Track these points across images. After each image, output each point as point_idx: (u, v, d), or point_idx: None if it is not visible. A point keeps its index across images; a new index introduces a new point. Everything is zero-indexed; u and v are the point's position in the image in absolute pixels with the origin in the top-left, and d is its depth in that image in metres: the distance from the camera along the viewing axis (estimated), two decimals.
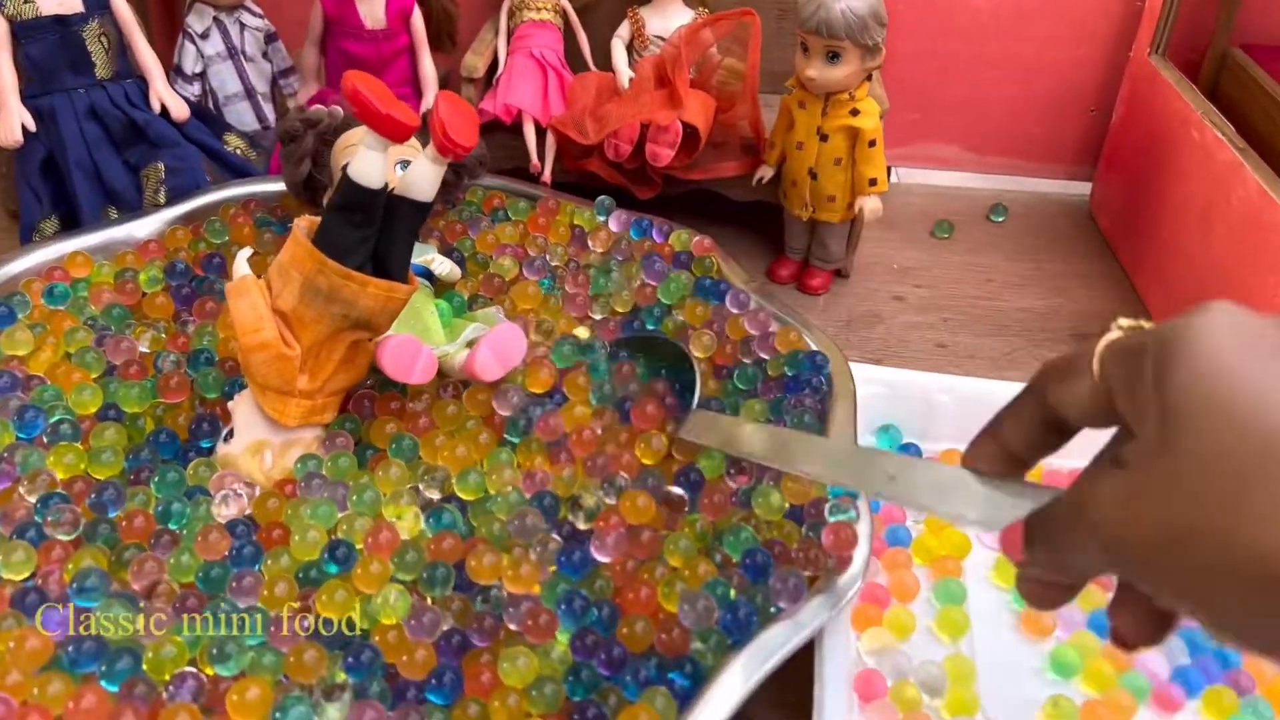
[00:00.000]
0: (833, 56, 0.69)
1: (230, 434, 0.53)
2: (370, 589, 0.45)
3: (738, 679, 0.41)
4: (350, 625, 0.44)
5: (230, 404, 0.54)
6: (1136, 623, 0.28)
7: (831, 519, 0.49)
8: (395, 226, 0.51)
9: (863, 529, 0.48)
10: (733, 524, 0.49)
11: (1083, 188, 0.95)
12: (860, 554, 0.47)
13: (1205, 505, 0.23)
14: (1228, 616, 0.23)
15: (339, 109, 0.64)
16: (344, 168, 0.58)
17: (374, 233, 0.50)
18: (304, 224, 0.52)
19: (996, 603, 0.53)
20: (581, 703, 0.41)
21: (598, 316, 0.63)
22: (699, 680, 0.42)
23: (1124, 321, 0.28)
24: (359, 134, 0.62)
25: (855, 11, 0.66)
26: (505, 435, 0.54)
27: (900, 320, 0.78)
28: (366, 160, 0.49)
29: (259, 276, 0.51)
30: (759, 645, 0.42)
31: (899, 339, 0.76)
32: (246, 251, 0.56)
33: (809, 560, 0.47)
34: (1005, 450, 0.31)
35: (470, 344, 0.57)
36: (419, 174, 0.50)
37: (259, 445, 0.52)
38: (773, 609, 0.45)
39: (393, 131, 0.48)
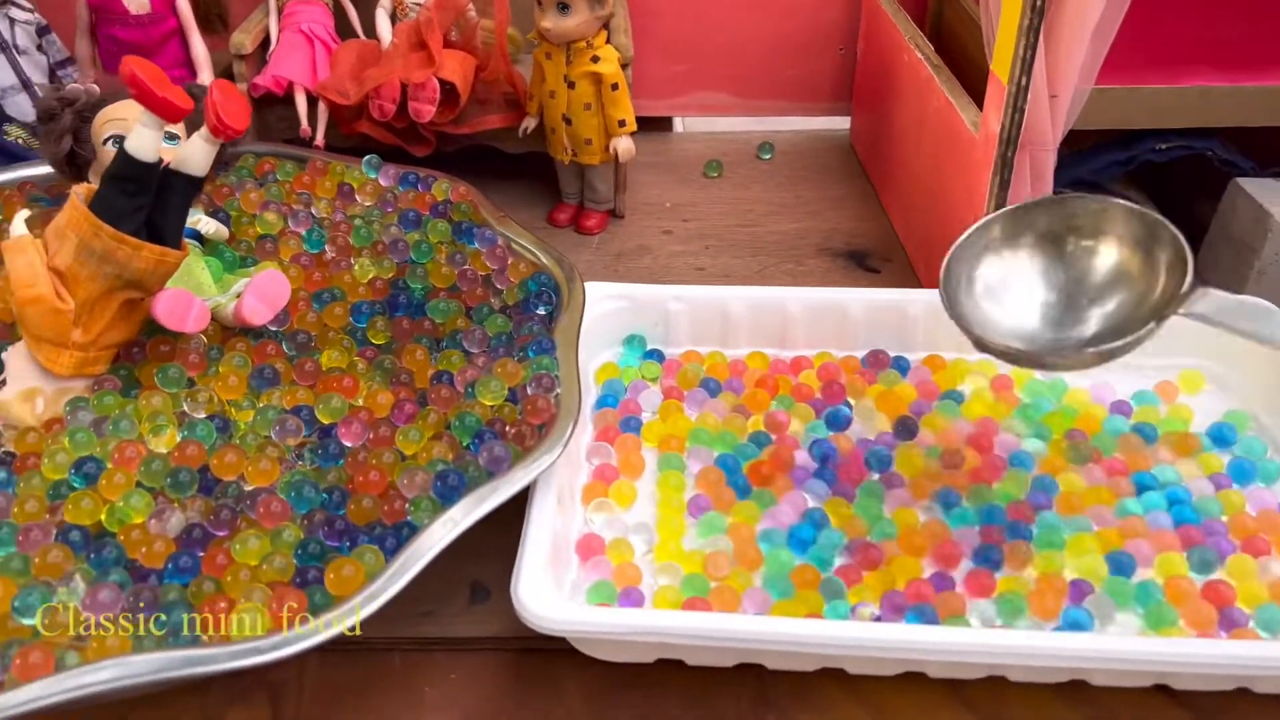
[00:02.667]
0: (562, 8, 0.75)
1: (3, 383, 0.57)
2: (114, 497, 0.49)
3: (440, 531, 0.47)
4: (99, 531, 0.48)
5: (4, 355, 0.58)
6: None
7: (530, 392, 0.55)
8: (169, 198, 0.56)
9: (569, 401, 0.54)
10: (461, 412, 0.55)
11: (843, 122, 1.03)
12: (563, 424, 0.53)
13: None
14: None
15: (95, 87, 0.68)
16: (120, 141, 0.63)
17: (147, 202, 0.55)
18: (82, 190, 0.56)
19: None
20: (303, 568, 0.47)
21: (364, 281, 0.67)
22: (408, 541, 0.47)
23: None
24: (118, 109, 0.66)
25: None
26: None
27: (666, 250, 0.85)
28: (142, 137, 0.54)
29: (36, 237, 0.56)
30: (463, 504, 0.48)
31: (664, 266, 0.83)
32: (24, 213, 0.60)
33: (519, 435, 0.53)
34: None
35: (240, 295, 0.62)
36: (193, 151, 0.56)
37: (31, 392, 0.56)
38: (484, 478, 0.51)
39: (167, 113, 0.53)
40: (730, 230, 0.88)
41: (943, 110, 0.74)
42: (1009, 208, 0.58)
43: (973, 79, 0.76)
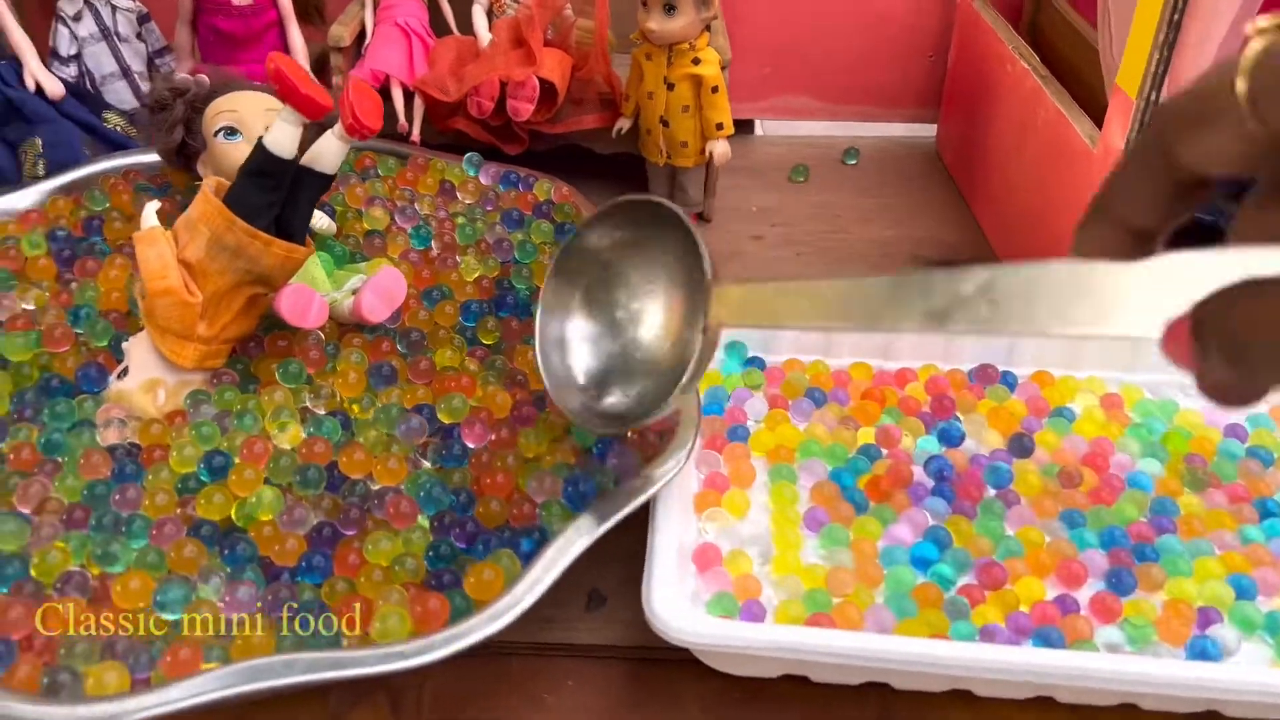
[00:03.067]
0: (669, 9, 0.75)
1: (125, 372, 0.57)
2: (244, 493, 0.49)
3: (574, 538, 0.46)
4: (229, 527, 0.48)
5: (125, 345, 0.58)
6: None
7: None
8: (299, 194, 0.57)
9: (689, 410, 0.54)
10: None
11: (929, 129, 1.02)
12: (685, 431, 0.53)
13: None
14: None
15: (204, 77, 0.68)
16: (231, 133, 0.63)
17: (280, 198, 0.56)
18: (212, 183, 0.56)
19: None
20: (437, 570, 0.46)
21: (470, 280, 0.67)
22: (541, 545, 0.47)
23: (1262, 22, 0.22)
24: (229, 101, 0.66)
25: None
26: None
27: (757, 256, 0.85)
28: (282, 132, 0.54)
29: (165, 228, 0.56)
30: (595, 512, 0.48)
31: (754, 272, 0.83)
32: (155, 204, 0.59)
33: (641, 442, 0.53)
34: (1124, 227, 0.26)
35: (355, 291, 0.62)
36: (325, 149, 0.56)
37: (153, 383, 0.56)
38: (611, 485, 0.50)
39: (310, 110, 0.53)
40: (820, 236, 0.87)
41: (1052, 122, 0.73)
42: (552, 269, 0.53)
43: (1075, 90, 0.75)
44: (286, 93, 0.52)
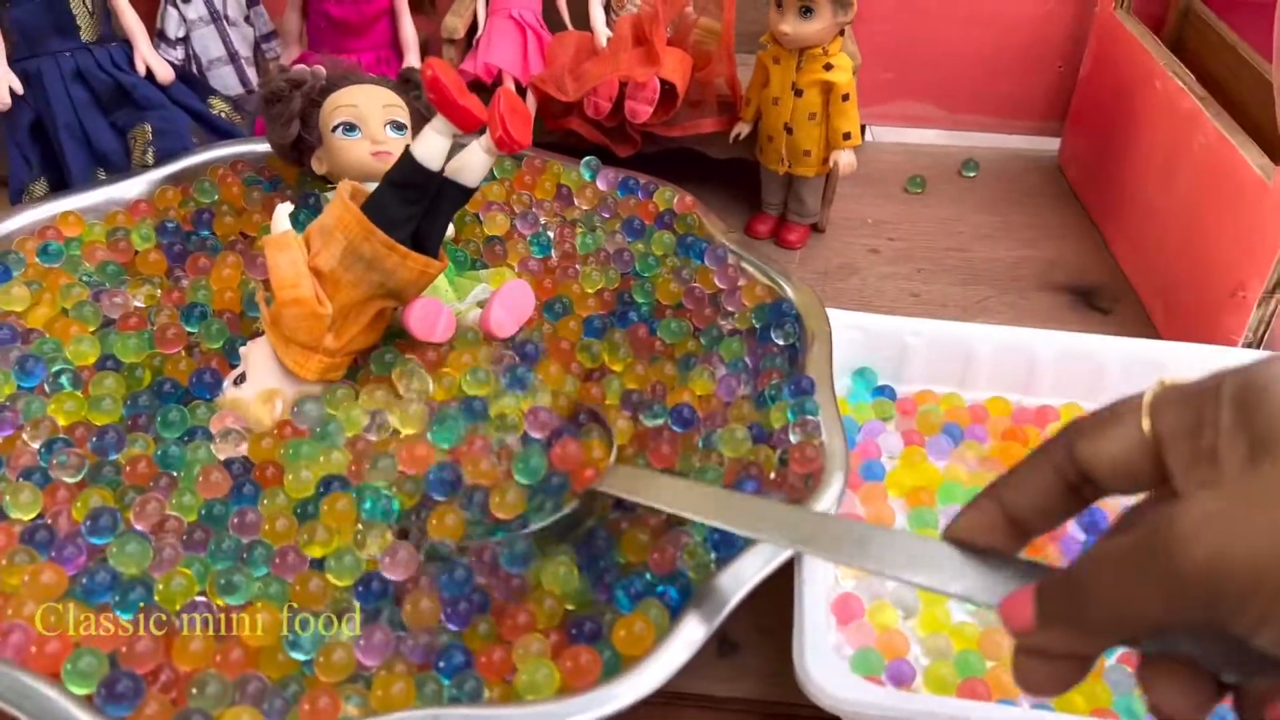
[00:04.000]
0: (806, 11, 0.71)
1: (241, 378, 0.55)
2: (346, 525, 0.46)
3: (725, 591, 0.43)
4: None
5: (243, 349, 0.56)
6: (1183, 692, 0.25)
7: (794, 440, 0.51)
8: (440, 207, 0.54)
9: (835, 451, 0.50)
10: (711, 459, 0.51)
11: (1052, 143, 0.97)
12: (835, 477, 0.49)
13: None
14: None
15: (321, 69, 0.65)
16: (350, 129, 0.60)
17: (422, 210, 0.53)
18: (348, 188, 0.54)
19: None
20: (579, 618, 0.43)
21: (590, 291, 0.64)
22: (687, 596, 0.44)
23: (1167, 380, 0.28)
24: (347, 95, 0.63)
25: None
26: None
27: (875, 271, 0.81)
28: (432, 143, 0.52)
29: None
30: (744, 562, 0.44)
31: (874, 289, 0.79)
32: (287, 206, 0.57)
33: (785, 484, 0.49)
34: (1008, 516, 0.29)
35: (481, 303, 0.59)
36: (471, 161, 0.53)
37: (271, 394, 0.53)
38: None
39: (464, 122, 0.51)
40: (940, 254, 0.83)
41: (1213, 148, 0.68)
42: None
43: (1231, 113, 0.70)
44: (443, 103, 0.49)
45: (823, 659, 0.44)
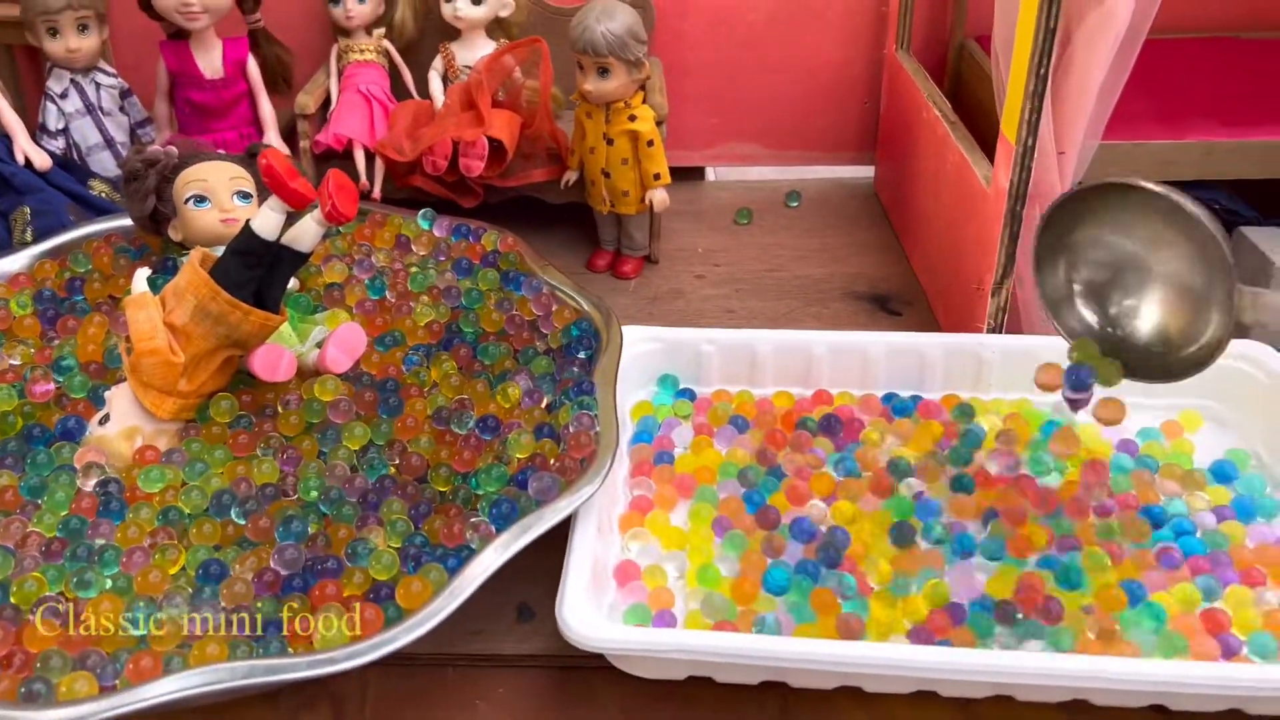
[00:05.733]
0: (603, 72, 0.81)
1: (105, 419, 0.63)
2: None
3: (495, 554, 0.52)
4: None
5: (107, 394, 0.64)
6: None
7: (571, 430, 0.60)
8: (278, 270, 0.63)
9: (607, 436, 0.59)
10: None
11: (868, 171, 1.08)
12: (604, 455, 0.58)
13: None
14: None
15: (173, 149, 0.74)
16: (200, 201, 0.69)
17: (261, 274, 0.62)
18: (198, 255, 0.62)
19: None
20: (378, 584, 0.52)
21: (422, 324, 0.73)
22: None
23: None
24: (197, 171, 0.72)
25: (614, 32, 0.79)
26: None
27: (699, 294, 0.91)
28: (267, 219, 0.61)
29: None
30: (515, 530, 0.53)
31: (696, 309, 0.89)
32: (145, 271, 0.66)
33: (563, 468, 0.58)
34: None
35: (319, 344, 0.68)
36: (304, 231, 0.62)
37: (132, 431, 0.62)
38: (534, 505, 0.56)
39: (296, 202, 0.60)
40: (759, 275, 0.93)
41: (959, 165, 0.79)
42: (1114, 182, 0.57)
43: (990, 135, 0.81)
44: (276, 186, 0.59)
45: (581, 609, 0.52)
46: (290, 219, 0.62)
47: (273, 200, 0.60)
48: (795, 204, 1.04)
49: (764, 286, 0.91)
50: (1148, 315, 0.60)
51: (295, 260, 0.62)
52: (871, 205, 1.04)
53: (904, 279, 0.92)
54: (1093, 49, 0.67)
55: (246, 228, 0.61)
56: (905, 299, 0.89)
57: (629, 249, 0.92)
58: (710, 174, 1.12)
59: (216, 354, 0.62)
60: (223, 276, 0.60)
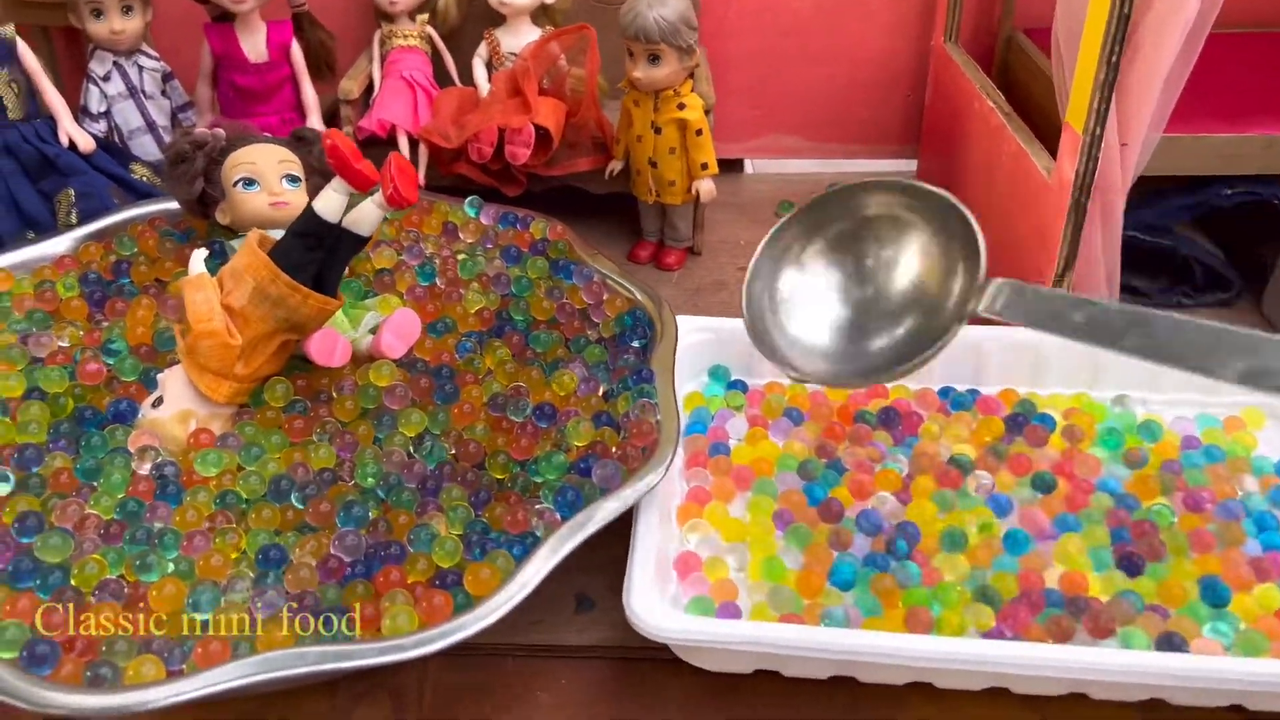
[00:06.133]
0: (653, 59, 0.80)
1: (159, 402, 0.62)
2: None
3: (563, 543, 0.51)
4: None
5: (160, 376, 0.63)
6: None
7: (633, 418, 0.59)
8: (338, 253, 0.62)
9: (669, 426, 0.58)
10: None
11: (910, 164, 1.07)
12: (666, 446, 0.57)
13: None
14: None
15: (220, 130, 0.73)
16: (249, 184, 0.68)
17: (321, 256, 0.61)
18: (255, 237, 0.62)
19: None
20: (443, 571, 0.51)
21: (473, 311, 0.72)
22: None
23: None
24: (246, 154, 0.71)
25: (667, 18, 0.78)
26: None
27: (742, 286, 0.89)
28: (331, 200, 0.60)
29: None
30: (580, 520, 0.52)
31: (740, 301, 0.87)
32: (203, 252, 0.64)
33: (624, 456, 0.57)
34: None
35: (373, 330, 0.67)
36: (365, 215, 0.61)
37: (186, 414, 0.61)
38: (598, 493, 0.55)
39: (359, 183, 0.59)
40: None
41: (1015, 156, 0.78)
42: (800, 212, 0.58)
43: (1041, 126, 0.80)
44: (341, 167, 0.58)
45: (648, 599, 0.51)
46: (350, 203, 0.61)
47: (336, 182, 0.59)
48: None
49: None
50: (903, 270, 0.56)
51: (355, 244, 0.62)
52: None
53: None
54: (1160, 40, 0.66)
55: (309, 209, 0.60)
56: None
57: (673, 240, 0.91)
58: (748, 166, 1.11)
59: (274, 338, 0.61)
60: (283, 259, 0.59)
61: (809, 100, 1.05)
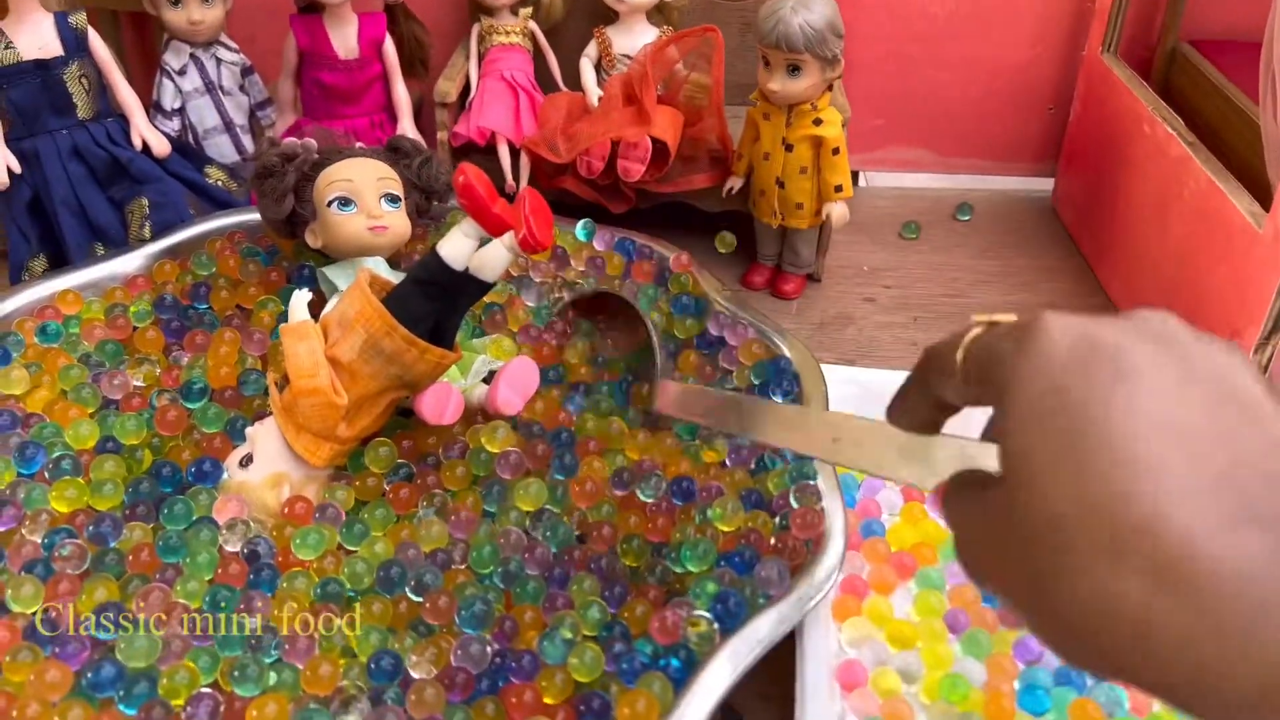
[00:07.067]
0: (794, 70, 0.71)
1: (248, 459, 0.54)
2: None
3: (726, 666, 0.43)
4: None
5: (250, 430, 0.56)
6: None
7: (794, 505, 0.51)
8: (459, 301, 0.55)
9: (835, 514, 0.50)
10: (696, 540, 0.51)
11: (1045, 184, 0.97)
12: (836, 541, 0.49)
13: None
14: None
15: (312, 141, 0.65)
16: (346, 204, 0.61)
17: (442, 306, 0.54)
18: (365, 277, 0.54)
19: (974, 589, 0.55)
20: (587, 694, 0.43)
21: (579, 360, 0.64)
22: (690, 667, 0.44)
23: (980, 317, 0.28)
24: (342, 169, 0.63)
25: (813, 25, 0.69)
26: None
27: (872, 321, 0.81)
28: (459, 245, 0.53)
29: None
30: (748, 633, 0.44)
31: (870, 339, 0.79)
32: (305, 295, 0.58)
33: (786, 549, 0.49)
34: (914, 415, 0.31)
35: (486, 379, 0.59)
36: (493, 258, 0.54)
37: (279, 478, 0.53)
38: (760, 599, 0.47)
39: (495, 228, 0.52)
40: (937, 301, 0.83)
41: (1204, 194, 0.68)
42: None
43: (1220, 154, 0.70)
44: (476, 210, 0.51)
45: None
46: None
47: (467, 224, 0.52)
48: (966, 217, 0.94)
49: (944, 315, 0.81)
50: None
51: (478, 291, 0.54)
52: (1051, 223, 0.94)
53: (1104, 312, 0.81)
54: None
55: (434, 255, 0.52)
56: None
57: (792, 266, 0.83)
58: (863, 180, 1.02)
59: (383, 396, 0.54)
60: (399, 309, 0.52)
61: (938, 111, 0.96)
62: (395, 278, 0.62)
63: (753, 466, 0.56)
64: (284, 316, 0.65)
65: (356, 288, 0.52)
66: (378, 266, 0.63)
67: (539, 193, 0.52)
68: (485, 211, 0.50)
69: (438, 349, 0.52)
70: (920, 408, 0.31)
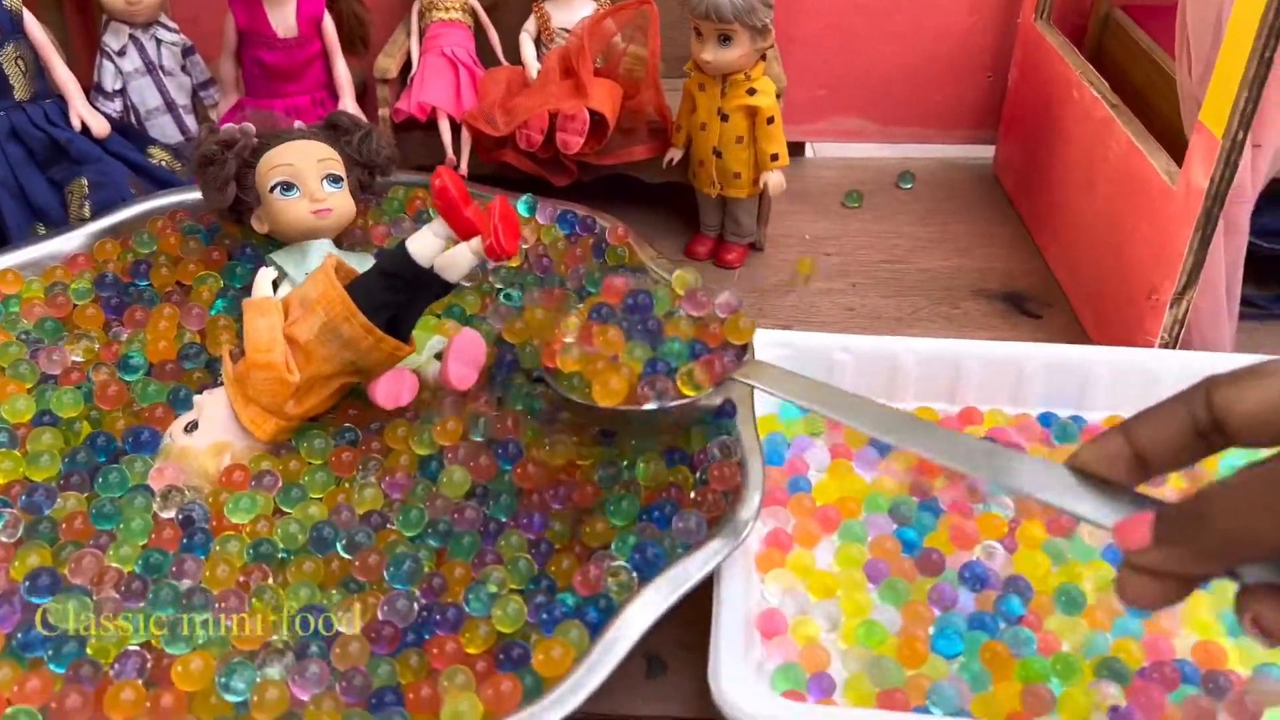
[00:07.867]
0: (725, 40, 0.72)
1: (193, 426, 0.55)
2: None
3: (642, 612, 0.44)
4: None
5: (198, 398, 0.56)
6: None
7: (714, 459, 0.53)
8: (420, 296, 0.56)
9: (754, 468, 0.52)
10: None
11: (986, 151, 0.99)
12: (753, 494, 0.50)
13: None
14: None
15: (250, 125, 0.65)
16: (287, 189, 0.61)
17: (404, 299, 0.55)
18: (332, 263, 0.55)
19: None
20: (508, 643, 0.45)
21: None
22: (609, 616, 0.45)
23: None
24: (282, 154, 0.63)
25: None
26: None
27: (811, 288, 0.82)
28: (428, 243, 0.54)
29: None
30: (663, 581, 0.46)
31: (810, 305, 0.80)
32: (270, 272, 0.59)
33: (705, 503, 0.51)
34: (1134, 450, 0.32)
35: (438, 356, 0.60)
36: (458, 260, 0.55)
37: (222, 447, 0.54)
38: (679, 549, 0.48)
39: (463, 231, 0.54)
40: (876, 267, 0.85)
41: (1125, 155, 0.70)
42: None
43: (1146, 118, 0.72)
44: (448, 211, 0.52)
45: (738, 678, 0.45)
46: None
47: (439, 225, 0.53)
48: (908, 185, 0.95)
49: (883, 281, 0.83)
50: None
51: (441, 290, 0.56)
52: (992, 190, 0.95)
53: (1039, 276, 0.83)
54: None
55: (402, 249, 0.54)
56: (1043, 299, 0.80)
57: (734, 235, 0.84)
58: (810, 150, 1.03)
59: (335, 379, 0.55)
60: (361, 296, 0.53)
61: (880, 80, 0.97)
62: (346, 257, 0.64)
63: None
64: (224, 292, 0.66)
65: (323, 272, 0.54)
66: (325, 247, 0.64)
67: (511, 207, 0.53)
68: (457, 214, 0.52)
69: (392, 340, 0.54)
70: (1166, 433, 0.31)
